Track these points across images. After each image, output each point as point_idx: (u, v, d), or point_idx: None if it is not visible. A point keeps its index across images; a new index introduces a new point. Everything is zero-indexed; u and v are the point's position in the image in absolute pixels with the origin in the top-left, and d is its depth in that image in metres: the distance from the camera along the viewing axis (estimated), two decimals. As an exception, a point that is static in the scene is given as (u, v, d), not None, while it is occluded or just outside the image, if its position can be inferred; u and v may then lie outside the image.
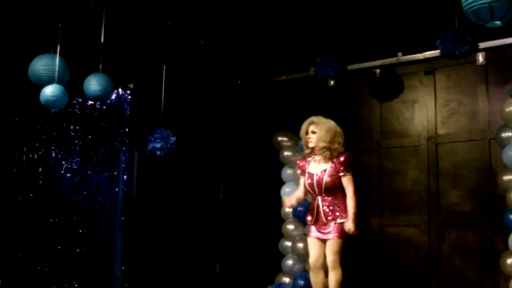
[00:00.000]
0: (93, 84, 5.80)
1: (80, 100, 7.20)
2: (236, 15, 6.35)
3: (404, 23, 6.18)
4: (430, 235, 6.33)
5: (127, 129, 6.99)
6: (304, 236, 6.79)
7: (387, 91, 6.70)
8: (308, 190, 5.70)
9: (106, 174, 7.05)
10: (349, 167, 5.55)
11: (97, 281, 6.96)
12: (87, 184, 7.14)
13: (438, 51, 5.86)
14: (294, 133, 7.03)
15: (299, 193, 5.84)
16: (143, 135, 6.63)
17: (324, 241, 5.57)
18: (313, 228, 5.64)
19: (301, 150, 6.91)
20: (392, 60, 6.47)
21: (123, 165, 6.98)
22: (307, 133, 5.65)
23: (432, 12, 6.04)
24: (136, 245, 6.91)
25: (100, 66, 5.90)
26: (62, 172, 7.27)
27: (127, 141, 6.99)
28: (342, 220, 5.49)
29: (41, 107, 5.80)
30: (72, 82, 5.85)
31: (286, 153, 7.06)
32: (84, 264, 7.04)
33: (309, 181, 5.64)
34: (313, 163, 5.69)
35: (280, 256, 6.94)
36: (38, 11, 5.91)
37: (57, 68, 5.55)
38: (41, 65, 5.60)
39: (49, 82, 5.63)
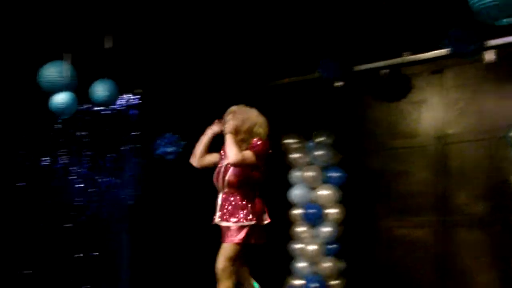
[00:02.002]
0: (99, 90, 5.83)
1: (88, 106, 7.21)
2: (240, 18, 6.33)
3: (411, 22, 6.14)
4: (439, 236, 6.30)
5: (134, 134, 7.00)
6: (313, 239, 6.79)
7: (394, 91, 6.67)
8: (214, 183, 4.73)
9: (114, 179, 7.06)
10: (253, 150, 4.50)
11: (105, 286, 6.97)
12: (95, 189, 7.15)
13: (446, 50, 5.82)
14: (302, 136, 7.03)
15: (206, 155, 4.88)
16: (150, 140, 6.63)
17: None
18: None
19: (309, 152, 6.91)
20: (399, 60, 6.43)
21: (131, 170, 6.99)
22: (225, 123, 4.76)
23: (438, 11, 6.01)
24: (143, 250, 6.91)
25: (107, 72, 5.91)
26: (71, 177, 7.29)
27: (135, 146, 7.01)
28: (241, 223, 4.45)
29: (50, 113, 5.82)
30: (79, 88, 5.86)
31: (293, 156, 7.05)
32: (92, 269, 7.05)
33: (216, 172, 4.71)
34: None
35: (290, 258, 6.92)
36: (47, 18, 5.91)
37: (66, 75, 5.56)
38: (51, 72, 5.61)
39: (59, 89, 5.64)
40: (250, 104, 7.49)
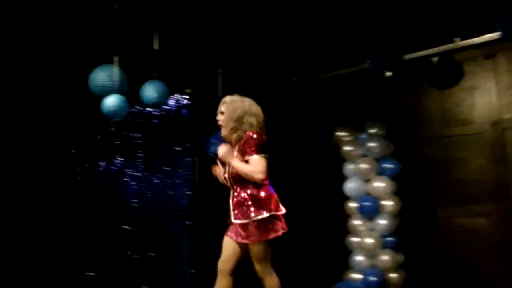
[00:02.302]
0: (150, 91, 5.88)
1: (139, 108, 7.30)
2: (288, 12, 6.32)
3: (460, 7, 6.02)
4: (500, 225, 6.16)
5: (186, 134, 7.07)
6: (370, 232, 6.73)
7: (446, 78, 6.54)
8: (224, 183, 4.60)
9: (169, 179, 7.13)
10: (254, 147, 4.29)
11: (166, 285, 7.04)
12: (151, 191, 7.24)
13: (498, 34, 5.68)
14: (354, 128, 6.98)
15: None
16: (202, 139, 6.68)
17: (239, 244, 4.44)
18: (231, 227, 4.51)
19: (362, 144, 6.85)
20: (450, 46, 6.31)
21: (185, 170, 7.06)
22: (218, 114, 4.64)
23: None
24: (203, 248, 6.96)
25: (156, 73, 5.97)
26: (126, 179, 7.39)
27: (188, 146, 7.07)
28: (257, 218, 4.24)
29: (103, 117, 5.91)
30: (130, 91, 5.94)
31: (346, 148, 7.00)
32: (152, 269, 7.13)
33: (223, 171, 4.56)
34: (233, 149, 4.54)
35: (346, 252, 6.88)
36: (96, 22, 6.03)
37: (116, 78, 5.63)
38: (101, 76, 5.69)
39: (110, 93, 5.72)
40: (300, 98, 7.55)
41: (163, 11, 5.94)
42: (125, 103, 5.80)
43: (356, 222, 6.86)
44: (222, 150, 4.37)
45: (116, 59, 5.69)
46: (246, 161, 4.27)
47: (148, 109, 7.10)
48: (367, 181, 6.84)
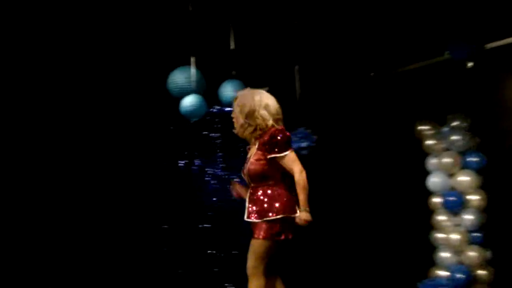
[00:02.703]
0: (228, 90, 5.92)
1: (218, 107, 7.37)
2: (363, 6, 6.25)
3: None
4: None
5: (265, 132, 7.07)
6: (455, 227, 6.57)
7: (532, 66, 6.30)
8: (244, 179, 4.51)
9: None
10: (280, 144, 4.18)
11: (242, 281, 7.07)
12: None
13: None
14: (436, 121, 6.82)
15: None
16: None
17: None
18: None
19: (445, 138, 6.68)
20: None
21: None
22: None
23: None
24: (285, 245, 6.96)
25: (233, 72, 6.01)
26: (206, 178, 7.47)
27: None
28: (270, 218, 4.14)
29: (182, 117, 6.00)
30: (208, 91, 6.00)
31: (429, 142, 6.85)
32: (234, 267, 7.17)
33: (242, 168, 4.47)
34: (252, 146, 4.46)
35: (431, 248, 6.73)
36: (173, 24, 6.14)
37: (194, 79, 5.70)
38: (179, 77, 5.78)
39: (188, 93, 5.80)
40: (379, 93, 7.43)
41: (238, 10, 5.97)
42: (203, 103, 5.87)
43: (441, 217, 6.69)
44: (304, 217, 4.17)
45: (193, 59, 5.76)
46: (273, 159, 4.17)
47: (227, 108, 7.16)
48: (451, 175, 6.67)
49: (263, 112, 4.27)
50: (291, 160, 4.16)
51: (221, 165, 7.43)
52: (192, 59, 5.78)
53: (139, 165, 7.33)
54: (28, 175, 6.77)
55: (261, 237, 4.14)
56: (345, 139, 7.55)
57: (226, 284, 7.21)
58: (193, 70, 5.73)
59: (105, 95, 7.03)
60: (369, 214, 7.48)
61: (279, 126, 4.29)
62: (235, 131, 4.45)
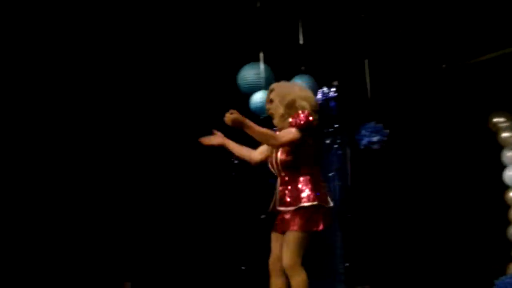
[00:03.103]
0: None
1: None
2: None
3: None
4: None
5: (336, 127, 7.05)
6: None
7: None
8: (270, 169, 4.32)
9: (321, 172, 7.14)
10: (298, 123, 4.01)
11: (320, 279, 7.05)
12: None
13: None
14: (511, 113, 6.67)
15: (254, 153, 4.41)
16: (352, 131, 6.62)
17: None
18: (277, 221, 4.21)
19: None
20: None
21: (337, 163, 7.05)
22: (268, 102, 4.36)
23: None
24: (356, 241, 6.93)
25: (303, 67, 5.99)
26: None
27: (338, 139, 7.05)
28: (304, 205, 3.97)
29: (251, 113, 6.02)
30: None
31: (504, 135, 6.69)
32: (306, 263, 7.16)
33: (269, 157, 4.28)
34: None
35: (508, 244, 6.57)
36: (241, 22, 6.17)
37: (263, 76, 5.71)
38: (249, 73, 5.80)
39: (257, 89, 5.81)
40: (451, 85, 7.29)
41: (307, 5, 5.95)
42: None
43: (519, 212, 6.54)
44: (232, 116, 4.05)
45: (262, 55, 5.78)
46: (302, 145, 4.02)
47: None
48: (529, 169, 6.51)
49: (304, 103, 4.12)
50: (288, 133, 4.00)
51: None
52: (261, 55, 5.79)
53: (209, 163, 7.40)
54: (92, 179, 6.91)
55: (298, 228, 3.96)
56: (417, 132, 7.44)
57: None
58: (262, 66, 5.74)
59: (175, 92, 7.13)
60: (443, 210, 7.36)
61: (311, 116, 4.06)
62: (274, 122, 4.27)
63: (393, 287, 6.92)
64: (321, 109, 7.09)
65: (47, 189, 6.40)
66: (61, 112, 6.54)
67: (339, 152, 7.07)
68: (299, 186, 4.02)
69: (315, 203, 3.96)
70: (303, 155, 4.06)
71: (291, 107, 4.11)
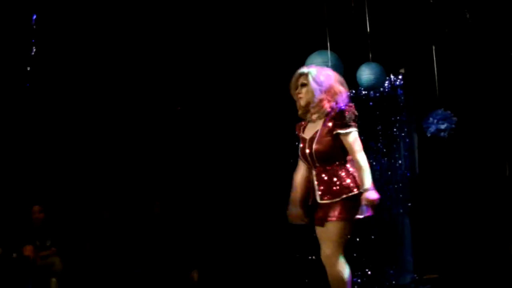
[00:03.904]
0: (367, 73, 5.86)
1: (354, 91, 7.34)
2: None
3: None
4: None
5: (403, 115, 6.98)
6: None
7: None
8: (303, 161, 4.06)
9: (388, 161, 7.09)
10: (347, 120, 3.82)
11: (389, 268, 7.01)
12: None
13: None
14: None
15: (299, 175, 4.09)
16: (420, 119, 6.54)
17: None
18: (317, 214, 3.95)
19: None
20: None
21: (404, 151, 6.98)
22: (296, 88, 4.05)
23: None
24: (425, 230, 6.85)
25: (370, 55, 5.94)
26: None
27: (405, 127, 6.98)
28: (347, 195, 3.79)
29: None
30: (344, 75, 5.97)
31: None
32: (375, 252, 7.14)
33: (301, 148, 4.03)
34: (309, 125, 4.06)
35: None
36: (307, 10, 6.16)
37: (330, 64, 5.69)
38: (317, 62, 5.78)
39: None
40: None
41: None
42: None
43: None
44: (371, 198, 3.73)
45: (328, 43, 5.76)
46: (338, 135, 3.80)
47: (363, 92, 7.12)
48: None
49: (340, 88, 3.95)
50: (353, 138, 3.80)
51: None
52: (328, 43, 5.76)
53: (278, 155, 7.45)
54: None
55: (339, 218, 3.78)
56: (486, 120, 7.28)
57: (367, 269, 7.20)
58: (329, 54, 5.72)
59: (241, 82, 7.19)
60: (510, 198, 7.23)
61: (350, 103, 3.93)
62: (301, 105, 4.00)
63: (461, 276, 6.80)
64: (389, 97, 7.09)
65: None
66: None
67: (407, 140, 7.00)
68: (339, 176, 3.83)
69: (357, 192, 3.78)
70: (340, 145, 3.85)
71: (331, 92, 3.91)
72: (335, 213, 3.76)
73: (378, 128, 7.20)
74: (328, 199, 3.82)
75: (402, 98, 7.02)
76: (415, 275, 6.91)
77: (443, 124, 6.26)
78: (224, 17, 6.63)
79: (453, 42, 6.79)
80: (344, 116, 3.80)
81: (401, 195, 7.01)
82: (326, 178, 3.86)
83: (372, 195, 3.68)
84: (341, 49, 5.89)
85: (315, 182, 3.90)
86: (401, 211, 7.01)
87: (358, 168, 3.76)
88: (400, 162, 7.05)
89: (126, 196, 7.44)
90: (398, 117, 7.04)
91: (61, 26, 6.80)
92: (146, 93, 7.40)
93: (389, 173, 7.12)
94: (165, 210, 7.33)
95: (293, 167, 4.12)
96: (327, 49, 5.73)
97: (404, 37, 6.81)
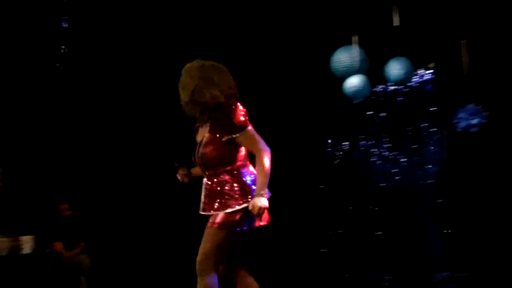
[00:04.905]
0: (395, 68, 5.80)
1: (382, 87, 7.26)
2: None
3: None
4: None
5: (432, 110, 6.89)
6: None
7: None
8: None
9: (417, 157, 7.01)
10: (237, 122, 3.38)
11: (418, 266, 6.94)
12: (399, 169, 7.16)
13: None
14: None
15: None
16: (450, 114, 6.46)
17: None
18: None
19: None
20: None
21: (434, 146, 6.90)
22: None
23: None
24: (455, 227, 6.76)
25: (399, 50, 5.87)
26: (373, 159, 7.39)
27: (435, 122, 6.89)
28: (230, 210, 3.36)
29: (345, 98, 5.97)
30: (371, 70, 5.92)
31: None
32: (402, 249, 7.07)
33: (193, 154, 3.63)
34: (201, 128, 3.63)
35: None
36: (333, 4, 6.11)
37: (357, 59, 5.64)
38: (342, 57, 5.74)
39: (351, 73, 5.75)
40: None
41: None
42: (366, 83, 5.80)
43: None
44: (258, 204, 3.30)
45: (355, 38, 5.70)
46: (230, 140, 3.40)
47: (391, 87, 7.04)
48: None
49: (213, 90, 3.45)
50: (249, 139, 3.41)
51: (387, 146, 7.33)
52: (355, 38, 5.71)
53: (301, 148, 7.41)
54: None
55: (216, 226, 3.39)
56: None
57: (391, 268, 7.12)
58: (356, 49, 5.66)
59: (267, 77, 7.17)
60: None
61: (232, 102, 3.47)
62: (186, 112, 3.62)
63: (493, 275, 6.71)
64: (417, 92, 7.00)
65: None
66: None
67: (436, 136, 6.90)
68: (225, 187, 3.45)
69: (243, 206, 3.38)
70: (229, 149, 3.47)
71: (199, 95, 3.47)
72: (215, 219, 3.40)
73: (407, 124, 7.12)
74: (210, 211, 3.45)
75: (431, 93, 6.93)
76: (445, 273, 6.82)
77: (474, 119, 6.17)
78: (249, 11, 6.61)
79: (483, 35, 6.68)
80: (230, 119, 3.40)
81: (430, 192, 6.92)
82: (212, 188, 3.48)
83: (259, 202, 3.28)
84: (368, 44, 5.83)
85: (203, 191, 3.54)
86: (431, 208, 6.93)
87: (258, 167, 3.38)
88: (430, 157, 6.96)
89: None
90: (427, 113, 6.96)
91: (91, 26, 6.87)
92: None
93: (418, 169, 7.04)
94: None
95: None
96: (353, 44, 5.69)
97: (433, 31, 6.71)
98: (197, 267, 3.37)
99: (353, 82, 5.76)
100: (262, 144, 3.40)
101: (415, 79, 6.90)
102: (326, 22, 6.50)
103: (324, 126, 7.54)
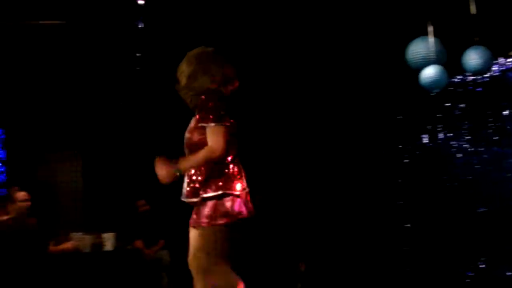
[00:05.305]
0: (473, 58, 5.63)
1: (460, 77, 7.10)
2: None
3: None
4: None
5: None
6: None
7: None
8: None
9: (500, 148, 6.84)
10: (210, 113, 3.36)
11: (502, 262, 6.76)
12: (480, 162, 7.00)
13: None
14: None
15: None
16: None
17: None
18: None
19: None
20: None
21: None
22: None
23: None
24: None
25: (477, 39, 5.70)
26: (452, 152, 7.25)
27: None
28: (207, 195, 3.33)
29: (422, 90, 5.87)
30: (449, 60, 5.78)
31: None
32: (487, 244, 6.90)
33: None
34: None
35: None
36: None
37: (434, 49, 5.52)
38: (418, 48, 5.64)
39: (427, 64, 5.64)
40: None
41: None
42: (444, 73, 5.68)
43: None
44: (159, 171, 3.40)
45: (431, 28, 5.58)
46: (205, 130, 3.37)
47: (470, 77, 6.88)
48: None
49: (204, 79, 3.50)
50: (211, 133, 3.36)
51: (466, 137, 7.18)
52: (430, 28, 5.58)
53: (379, 141, 7.33)
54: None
55: (205, 223, 3.34)
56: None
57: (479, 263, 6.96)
58: (432, 39, 5.53)
59: (344, 72, 7.15)
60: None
61: (218, 93, 3.50)
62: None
63: None
64: (498, 81, 6.81)
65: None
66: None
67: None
68: (199, 174, 3.42)
69: (217, 193, 3.37)
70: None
71: (192, 79, 3.55)
72: (199, 217, 3.38)
73: (487, 114, 6.95)
74: (189, 197, 3.45)
75: (512, 82, 6.75)
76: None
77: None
78: (322, 5, 6.59)
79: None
80: (206, 106, 3.41)
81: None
82: (190, 174, 3.45)
83: (162, 168, 3.37)
84: (444, 33, 5.69)
85: (185, 178, 3.49)
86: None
87: (201, 152, 3.34)
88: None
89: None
90: (508, 102, 6.76)
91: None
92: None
93: (501, 161, 6.85)
94: (266, 203, 7.38)
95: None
96: (429, 34, 5.56)
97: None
98: (193, 271, 3.38)
99: (429, 72, 5.64)
100: (218, 144, 3.32)
101: (494, 68, 6.73)
102: (400, 12, 6.39)
103: (402, 119, 7.45)
